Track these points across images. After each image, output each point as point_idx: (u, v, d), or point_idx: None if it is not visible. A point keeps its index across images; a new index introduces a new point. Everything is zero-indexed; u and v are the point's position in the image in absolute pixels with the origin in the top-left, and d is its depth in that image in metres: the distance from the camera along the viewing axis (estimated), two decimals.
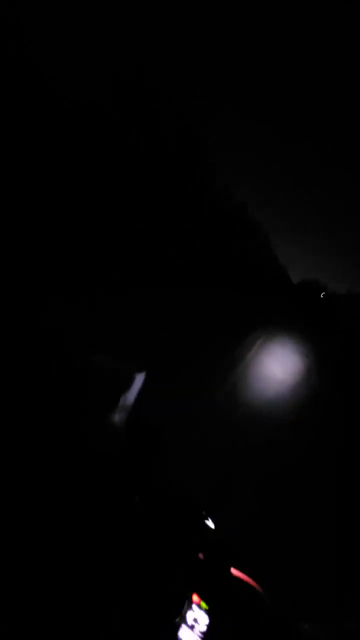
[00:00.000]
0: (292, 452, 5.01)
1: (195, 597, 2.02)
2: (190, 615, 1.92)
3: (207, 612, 2.01)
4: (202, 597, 2.10)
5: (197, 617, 1.93)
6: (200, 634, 1.88)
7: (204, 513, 2.63)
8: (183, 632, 1.85)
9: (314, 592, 3.34)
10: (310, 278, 7.70)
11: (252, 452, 4.72)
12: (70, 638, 1.68)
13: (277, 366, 6.33)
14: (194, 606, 1.97)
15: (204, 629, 1.92)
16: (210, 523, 2.71)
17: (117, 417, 3.37)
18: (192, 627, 1.89)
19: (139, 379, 3.53)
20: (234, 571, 2.44)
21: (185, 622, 1.88)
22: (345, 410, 6.09)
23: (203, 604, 2.05)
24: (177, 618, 1.85)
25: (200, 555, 2.44)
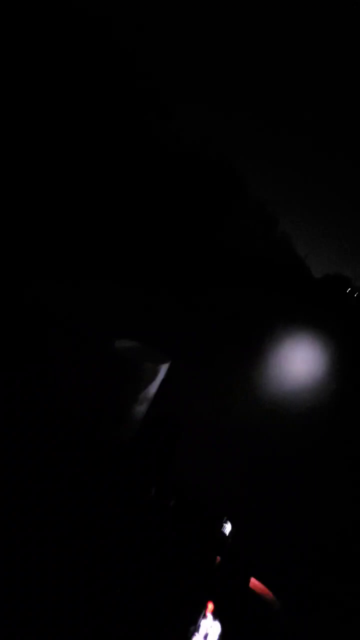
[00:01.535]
0: (318, 456, 4.83)
1: (210, 606, 1.95)
2: (204, 624, 1.84)
3: (222, 621, 1.93)
4: (218, 605, 2.02)
5: (211, 627, 1.86)
6: None
7: (225, 518, 2.53)
8: None
9: (330, 610, 3.21)
10: (332, 272, 7.31)
11: (277, 455, 4.58)
12: None
13: (301, 362, 6.07)
14: (208, 615, 1.89)
15: (217, 638, 1.85)
16: (229, 526, 2.61)
17: (139, 409, 3.30)
18: (205, 637, 1.82)
19: (163, 370, 3.42)
20: (252, 581, 2.35)
21: (199, 631, 1.81)
22: None
23: (214, 612, 1.96)
24: (192, 626, 1.78)
25: (218, 559, 2.35)
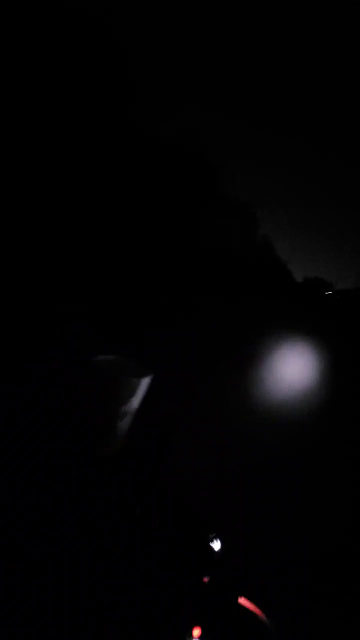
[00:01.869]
0: (309, 462, 4.76)
1: (196, 632, 1.83)
2: None
3: None
4: (205, 629, 1.91)
5: None
6: None
7: (211, 534, 2.43)
8: None
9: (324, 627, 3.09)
10: (313, 275, 7.41)
11: (267, 463, 4.50)
12: None
13: (288, 367, 6.08)
14: None
15: None
16: (217, 543, 2.51)
17: (121, 423, 3.20)
18: None
19: (144, 384, 3.35)
20: (242, 600, 2.23)
21: None
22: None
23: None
24: None
25: (205, 580, 2.24)
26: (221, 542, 2.53)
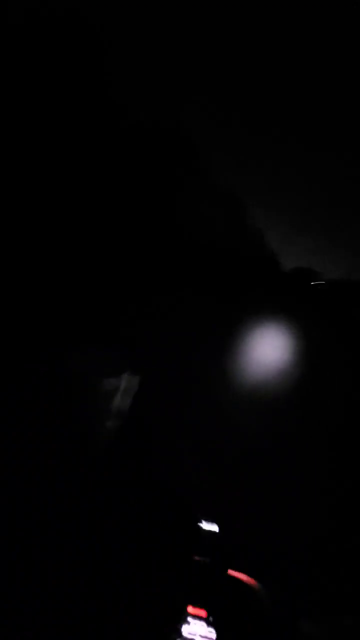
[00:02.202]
0: (290, 444, 4.97)
1: (190, 609, 2.01)
2: (185, 629, 1.91)
3: (204, 621, 2.00)
4: (198, 606, 2.09)
5: (193, 631, 1.93)
6: None
7: (199, 516, 2.61)
8: None
9: (313, 588, 3.35)
10: (303, 265, 7.43)
11: (249, 446, 4.69)
12: None
13: (273, 357, 6.20)
14: (189, 619, 1.96)
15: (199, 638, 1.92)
16: (206, 525, 2.69)
17: (110, 424, 3.34)
18: None
19: (135, 380, 3.47)
20: (231, 572, 2.43)
21: (181, 637, 1.88)
22: (345, 398, 5.99)
23: (199, 612, 2.03)
24: (173, 634, 1.85)
25: (196, 558, 2.41)
26: (212, 523, 2.72)
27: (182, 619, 1.95)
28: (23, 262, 5.94)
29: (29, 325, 5.43)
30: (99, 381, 3.47)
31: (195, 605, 2.04)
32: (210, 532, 2.58)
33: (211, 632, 1.90)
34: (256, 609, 2.37)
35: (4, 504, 2.43)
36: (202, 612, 2.03)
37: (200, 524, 2.55)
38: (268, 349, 6.02)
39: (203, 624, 2.01)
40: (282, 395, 5.80)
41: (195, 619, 2.00)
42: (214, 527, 2.73)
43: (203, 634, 1.93)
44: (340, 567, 3.82)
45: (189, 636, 1.91)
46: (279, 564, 3.46)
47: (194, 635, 1.92)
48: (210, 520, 2.73)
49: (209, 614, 2.07)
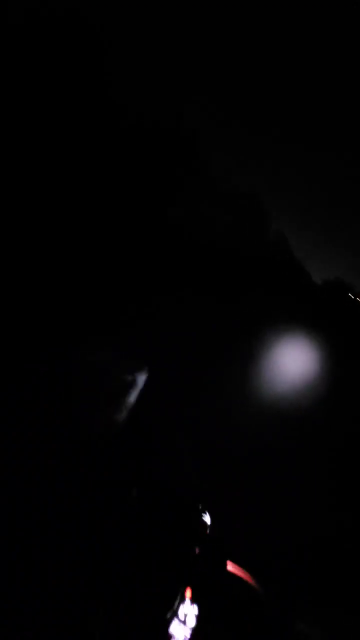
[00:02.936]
0: (293, 448, 5.07)
1: (188, 592, 2.16)
2: (182, 610, 2.06)
3: (200, 606, 2.14)
4: (196, 591, 2.23)
5: (189, 612, 2.08)
6: (192, 629, 2.02)
7: (200, 507, 2.74)
8: (174, 627, 1.99)
9: (310, 588, 3.48)
10: (333, 277, 7.48)
11: (250, 447, 4.80)
12: (61, 633, 1.83)
13: (298, 364, 6.25)
14: (187, 601, 2.11)
15: (195, 623, 2.06)
16: (207, 517, 2.83)
17: (119, 417, 3.48)
18: (184, 622, 2.04)
19: (141, 379, 3.61)
20: (230, 566, 2.57)
21: (177, 617, 2.02)
22: (345, 398, 6.06)
23: (193, 597, 2.17)
24: (169, 613, 1.99)
25: (197, 550, 2.56)
26: (210, 517, 2.85)
27: (180, 600, 2.09)
28: (24, 262, 6.05)
29: (29, 325, 5.54)
30: (99, 381, 3.60)
31: (193, 589, 2.18)
32: (209, 524, 2.72)
33: (200, 616, 2.03)
34: (253, 606, 2.51)
35: (4, 504, 2.53)
36: (188, 592, 2.16)
37: (204, 516, 2.68)
38: (274, 354, 6.09)
39: (196, 608, 2.14)
40: (284, 398, 5.89)
41: (191, 602, 2.14)
42: (208, 519, 2.84)
43: (195, 617, 2.06)
44: (340, 567, 3.94)
45: (184, 617, 2.05)
46: (279, 564, 3.59)
47: (187, 617, 2.06)
48: (203, 511, 2.84)
49: (203, 600, 2.19)
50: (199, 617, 2.12)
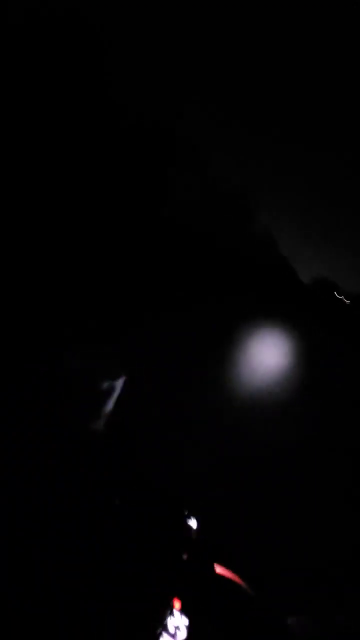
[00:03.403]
0: (280, 445, 5.05)
1: (176, 603, 2.12)
2: (171, 623, 2.02)
3: (190, 616, 2.11)
4: (185, 600, 2.20)
5: (179, 624, 2.04)
6: None
7: (186, 513, 2.71)
8: None
9: (303, 586, 3.45)
10: (320, 276, 7.40)
11: (250, 447, 4.78)
12: None
13: (272, 360, 6.24)
14: (175, 612, 2.07)
15: (186, 635, 2.02)
16: (193, 522, 2.78)
17: (98, 423, 3.44)
18: (173, 636, 2.00)
19: (119, 384, 3.57)
20: (217, 568, 2.53)
21: (167, 631, 1.98)
22: (344, 399, 6.03)
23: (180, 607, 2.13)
24: (158, 628, 1.96)
25: (184, 556, 2.52)
26: (197, 521, 2.81)
27: (168, 612, 2.06)
28: (23, 263, 6.05)
29: (28, 325, 5.53)
30: (100, 381, 3.57)
31: (180, 599, 2.15)
32: (195, 529, 2.68)
33: (190, 627, 2.00)
34: (241, 606, 2.47)
35: (4, 504, 2.52)
36: (178, 603, 2.12)
37: (190, 521, 2.65)
38: (268, 352, 6.07)
39: (186, 619, 2.11)
40: (282, 397, 5.87)
41: (180, 613, 2.10)
42: (194, 524, 2.81)
43: (185, 629, 2.03)
44: (338, 567, 3.92)
45: (174, 631, 2.02)
46: (278, 564, 3.56)
47: (177, 629, 2.03)
48: (189, 516, 2.81)
49: (183, 604, 2.16)
50: (189, 628, 2.08)
